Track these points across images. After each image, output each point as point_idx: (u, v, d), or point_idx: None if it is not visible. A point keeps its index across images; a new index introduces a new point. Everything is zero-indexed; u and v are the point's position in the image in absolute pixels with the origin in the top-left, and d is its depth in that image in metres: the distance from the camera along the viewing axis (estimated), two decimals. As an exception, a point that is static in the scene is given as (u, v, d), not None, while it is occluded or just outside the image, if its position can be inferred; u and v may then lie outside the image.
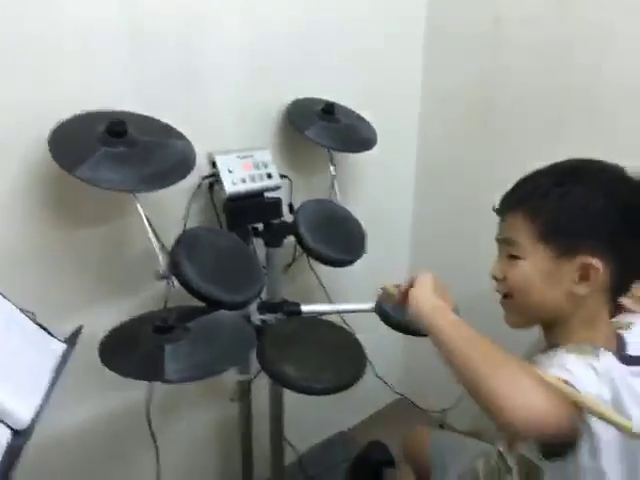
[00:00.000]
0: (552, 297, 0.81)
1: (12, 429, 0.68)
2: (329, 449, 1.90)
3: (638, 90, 1.36)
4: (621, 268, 0.78)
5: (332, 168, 1.51)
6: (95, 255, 1.19)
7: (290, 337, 1.25)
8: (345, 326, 1.46)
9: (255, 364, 1.32)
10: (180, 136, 1.11)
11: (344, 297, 1.60)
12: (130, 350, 0.92)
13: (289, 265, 1.51)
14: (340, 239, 1.42)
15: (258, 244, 1.39)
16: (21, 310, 0.85)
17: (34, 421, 0.71)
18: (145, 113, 1.13)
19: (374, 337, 1.56)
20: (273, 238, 1.37)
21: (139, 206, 1.08)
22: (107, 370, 1.12)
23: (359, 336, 1.33)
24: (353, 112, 1.54)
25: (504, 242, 0.85)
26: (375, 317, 1.35)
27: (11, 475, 0.65)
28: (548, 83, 1.51)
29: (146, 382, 1.22)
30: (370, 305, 1.41)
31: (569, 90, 1.48)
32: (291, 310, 1.38)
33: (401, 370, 2.09)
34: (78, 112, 1.04)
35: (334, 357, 1.20)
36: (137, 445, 1.36)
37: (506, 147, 1.63)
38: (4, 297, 0.83)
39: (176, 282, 1.10)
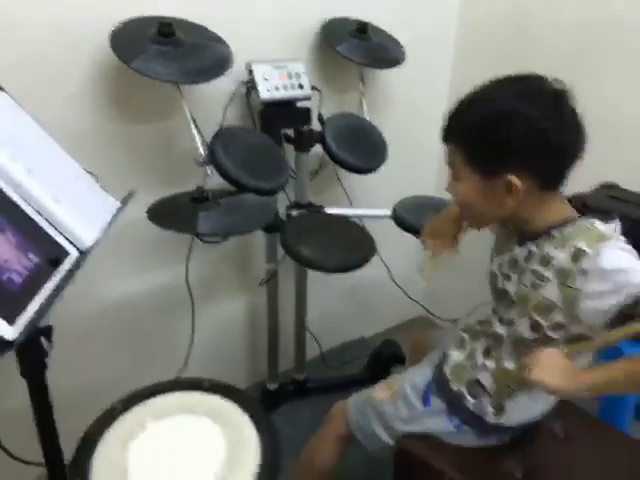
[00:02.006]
0: (490, 208, 0.95)
1: (78, 249, 0.90)
2: (349, 348, 2.11)
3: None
4: (542, 175, 0.91)
5: (361, 85, 1.64)
6: (147, 145, 1.39)
7: (310, 227, 1.43)
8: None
9: (281, 253, 1.52)
10: (220, 40, 1.27)
11: (365, 205, 1.76)
12: (172, 213, 1.13)
13: (316, 172, 1.67)
14: (363, 149, 1.57)
15: (289, 150, 1.56)
16: (86, 171, 1.06)
17: (93, 247, 0.92)
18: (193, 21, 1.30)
19: (392, 244, 1.73)
20: (302, 144, 1.53)
21: (184, 103, 1.27)
22: (157, 249, 1.34)
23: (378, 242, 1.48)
24: (386, 33, 1.65)
25: (448, 165, 1.00)
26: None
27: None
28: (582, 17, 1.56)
29: (185, 257, 1.45)
30: (388, 211, 1.57)
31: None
32: (315, 210, 1.56)
33: (419, 281, 2.22)
34: (135, 16, 1.22)
35: (346, 244, 1.37)
36: (177, 317, 1.59)
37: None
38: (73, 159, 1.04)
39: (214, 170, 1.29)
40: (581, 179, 1.42)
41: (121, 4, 1.22)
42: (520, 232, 1.01)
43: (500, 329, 1.06)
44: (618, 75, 1.55)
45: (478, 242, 1.19)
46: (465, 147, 0.93)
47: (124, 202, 1.08)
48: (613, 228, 0.92)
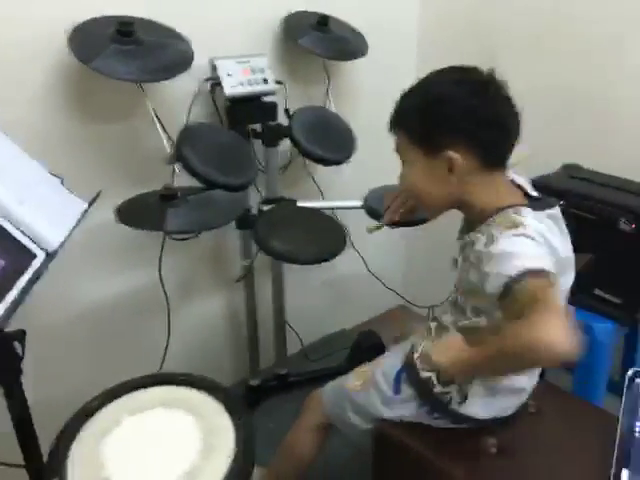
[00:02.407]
0: (437, 189, 0.98)
1: (45, 250, 0.90)
2: (331, 341, 2.13)
3: None
4: (480, 150, 0.94)
5: (326, 77, 1.65)
6: (113, 145, 1.39)
7: (282, 221, 1.44)
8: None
9: (256, 249, 1.52)
10: (180, 38, 1.27)
11: (336, 197, 1.77)
12: (140, 212, 1.13)
13: (286, 166, 1.68)
14: (331, 141, 1.58)
15: (257, 145, 1.56)
16: (52, 174, 1.05)
17: (59, 248, 0.92)
18: (153, 19, 1.30)
19: (366, 235, 1.74)
20: (270, 139, 1.54)
21: (148, 102, 1.27)
22: (129, 250, 1.34)
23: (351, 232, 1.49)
24: (347, 25, 1.67)
25: (396, 153, 1.03)
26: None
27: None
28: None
29: (158, 257, 1.45)
30: (359, 202, 1.58)
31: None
32: (287, 204, 1.57)
33: (396, 271, 2.26)
34: (95, 16, 1.21)
35: (318, 236, 1.39)
36: (153, 317, 1.59)
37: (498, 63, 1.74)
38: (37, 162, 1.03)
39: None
40: (545, 162, 1.48)
41: (81, 4, 1.21)
42: (468, 219, 1.05)
43: (448, 317, 1.10)
44: (573, 57, 1.59)
45: (456, 229, 1.21)
46: (406, 128, 0.99)
47: (91, 203, 1.08)
48: (532, 217, 0.92)
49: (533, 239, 0.87)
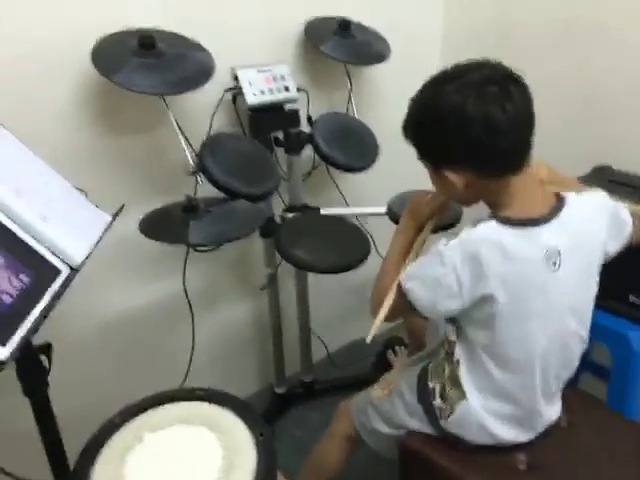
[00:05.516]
0: (454, 194, 0.98)
1: (69, 266, 0.91)
2: (357, 348, 2.11)
3: None
4: (476, 165, 0.92)
5: (349, 83, 1.63)
6: (136, 158, 1.40)
7: (305, 229, 1.43)
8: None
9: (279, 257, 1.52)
10: (201, 49, 1.27)
11: (361, 204, 1.75)
12: (163, 224, 1.13)
13: (309, 173, 1.67)
14: (354, 148, 1.57)
15: (280, 153, 1.56)
16: (75, 187, 1.07)
17: (83, 263, 0.93)
18: (174, 31, 1.30)
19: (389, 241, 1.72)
20: (292, 146, 1.53)
21: (170, 114, 1.28)
22: (153, 261, 1.34)
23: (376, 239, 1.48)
24: (369, 29, 1.65)
25: None
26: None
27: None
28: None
29: (182, 267, 1.46)
30: (383, 209, 1.56)
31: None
32: (310, 211, 1.56)
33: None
34: (117, 30, 1.23)
35: (341, 244, 1.37)
36: (178, 328, 1.59)
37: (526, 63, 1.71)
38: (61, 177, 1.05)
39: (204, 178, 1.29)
40: (577, 163, 1.44)
41: (102, 19, 1.22)
42: None
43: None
44: (604, 58, 1.54)
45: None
46: (411, 140, 0.99)
47: (115, 216, 1.09)
48: (487, 231, 0.92)
49: (441, 258, 0.92)
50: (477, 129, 0.88)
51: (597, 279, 1.02)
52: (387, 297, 1.02)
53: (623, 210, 1.04)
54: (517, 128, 0.89)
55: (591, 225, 0.99)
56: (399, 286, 1.00)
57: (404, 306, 0.99)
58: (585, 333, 1.03)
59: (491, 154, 0.91)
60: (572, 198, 0.98)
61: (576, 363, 1.06)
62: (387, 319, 1.04)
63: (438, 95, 0.92)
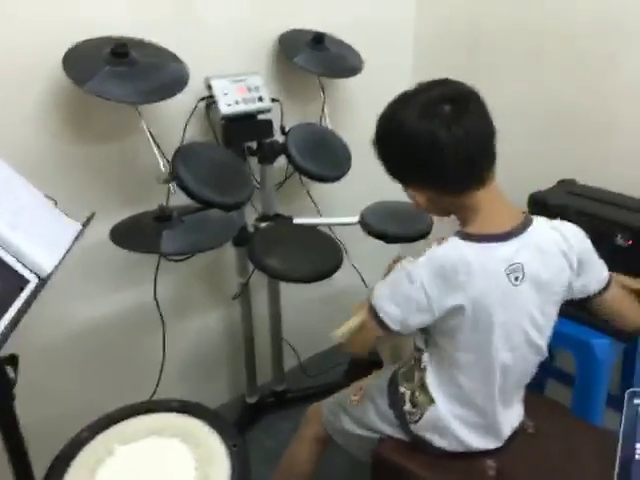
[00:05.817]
0: (429, 209, 1.02)
1: (38, 276, 0.89)
2: (329, 356, 2.11)
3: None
4: (435, 184, 0.96)
5: (322, 94, 1.65)
6: (108, 166, 1.38)
7: (278, 239, 1.43)
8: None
9: (252, 266, 1.52)
10: (175, 58, 1.27)
11: (333, 213, 1.77)
12: (135, 233, 1.12)
13: (282, 183, 1.68)
14: (327, 158, 1.58)
15: (253, 163, 1.56)
16: (45, 196, 1.05)
17: (52, 273, 0.91)
18: (148, 40, 1.30)
19: (363, 250, 1.74)
20: (266, 156, 1.54)
21: (143, 122, 1.27)
22: (124, 269, 1.32)
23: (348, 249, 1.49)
24: (343, 42, 1.67)
25: None
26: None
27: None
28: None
29: (154, 276, 1.44)
30: (356, 218, 1.58)
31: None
32: (283, 221, 1.56)
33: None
34: (88, 37, 1.21)
35: (314, 254, 1.38)
36: (148, 337, 1.57)
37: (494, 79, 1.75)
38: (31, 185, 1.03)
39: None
40: (540, 177, 1.49)
41: (75, 26, 1.21)
42: None
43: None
44: (570, 73, 1.60)
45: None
46: (378, 157, 1.01)
47: (85, 225, 1.08)
48: (438, 249, 0.95)
49: (408, 275, 0.95)
50: (422, 147, 0.91)
51: (562, 296, 1.04)
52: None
53: (597, 258, 1.07)
54: (466, 145, 0.90)
55: (556, 247, 1.00)
56: (370, 306, 1.01)
57: (373, 329, 1.01)
58: (544, 345, 1.05)
59: (439, 172, 0.93)
60: (540, 220, 1.01)
61: (533, 372, 1.10)
62: (357, 348, 1.11)
63: (393, 113, 0.96)
